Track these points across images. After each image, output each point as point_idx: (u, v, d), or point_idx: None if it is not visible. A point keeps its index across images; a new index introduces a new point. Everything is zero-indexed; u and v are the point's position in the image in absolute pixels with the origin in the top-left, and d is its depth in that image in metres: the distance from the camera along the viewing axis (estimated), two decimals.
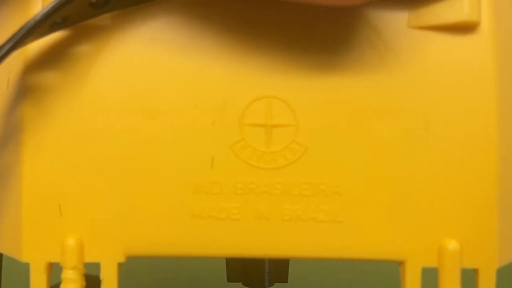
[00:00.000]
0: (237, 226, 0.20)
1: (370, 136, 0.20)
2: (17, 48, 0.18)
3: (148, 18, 0.20)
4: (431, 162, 0.20)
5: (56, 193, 0.20)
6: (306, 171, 0.20)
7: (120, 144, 0.20)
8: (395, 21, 0.20)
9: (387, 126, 0.20)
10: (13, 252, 0.21)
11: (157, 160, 0.20)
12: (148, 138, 0.20)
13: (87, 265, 0.20)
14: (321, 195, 0.20)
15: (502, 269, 0.20)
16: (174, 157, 0.20)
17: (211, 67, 0.20)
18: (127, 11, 0.20)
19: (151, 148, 0.20)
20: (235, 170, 0.20)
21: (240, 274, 0.32)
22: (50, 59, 0.20)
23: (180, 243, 0.20)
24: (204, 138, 0.20)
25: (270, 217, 0.20)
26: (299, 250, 0.20)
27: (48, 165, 0.20)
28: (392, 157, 0.20)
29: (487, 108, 0.20)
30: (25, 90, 0.20)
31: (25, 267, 0.20)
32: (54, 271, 0.21)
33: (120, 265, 0.20)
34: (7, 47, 0.18)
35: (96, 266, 0.20)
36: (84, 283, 0.20)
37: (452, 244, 0.20)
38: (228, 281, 0.32)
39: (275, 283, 0.32)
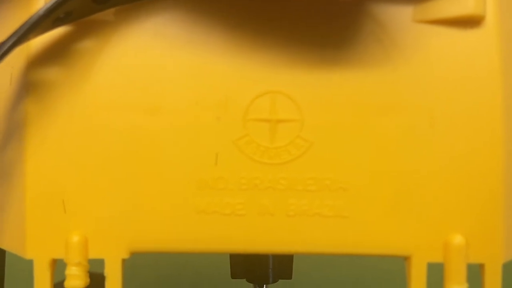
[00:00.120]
0: (242, 222, 0.20)
1: (375, 132, 0.20)
2: (20, 44, 0.18)
3: (151, 14, 0.20)
4: (436, 157, 0.20)
5: (60, 190, 0.20)
6: (311, 166, 0.20)
7: (124, 141, 0.20)
8: (400, 15, 0.20)
9: (392, 122, 0.20)
10: (17, 249, 0.21)
11: (161, 157, 0.20)
12: (151, 134, 0.20)
13: (91, 262, 0.20)
14: (326, 191, 0.20)
15: (507, 264, 0.20)
16: (178, 153, 0.20)
17: (214, 63, 0.20)
18: (130, 6, 0.20)
19: (155, 144, 0.20)
20: (239, 165, 0.20)
21: (244, 270, 0.32)
22: (53, 54, 0.20)
23: (184, 239, 0.20)
24: (207, 134, 0.20)
25: (274, 213, 0.20)
26: (304, 246, 0.20)
27: (52, 162, 0.20)
28: (397, 153, 0.20)
29: (492, 102, 0.20)
30: (28, 86, 0.20)
31: (29, 264, 0.20)
32: (58, 268, 0.20)
33: (124, 261, 0.20)
34: (10, 42, 0.18)
35: (100, 262, 0.20)
36: (88, 280, 0.20)
37: (457, 239, 0.20)
38: (232, 277, 0.32)
39: (279, 279, 0.32)
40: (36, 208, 0.20)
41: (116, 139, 0.20)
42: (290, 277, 0.32)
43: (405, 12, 0.20)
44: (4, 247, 0.22)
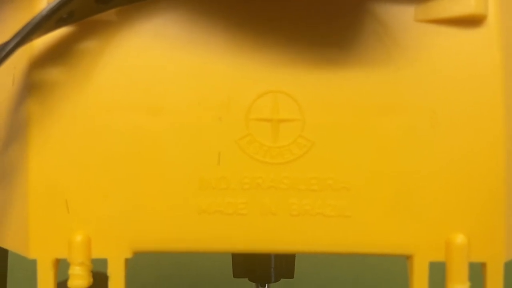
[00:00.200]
0: (244, 221, 0.20)
1: (377, 131, 0.20)
2: (23, 44, 0.18)
3: (153, 14, 0.20)
4: (438, 157, 0.20)
5: (63, 190, 0.20)
6: (313, 166, 0.20)
7: (126, 141, 0.20)
8: (402, 15, 0.20)
9: (393, 122, 0.20)
10: (20, 249, 0.21)
11: (163, 157, 0.20)
12: (154, 134, 0.20)
13: (94, 262, 0.20)
14: (328, 190, 0.20)
15: (509, 263, 0.20)
16: (180, 153, 0.20)
17: (216, 63, 0.20)
18: (132, 6, 0.20)
19: (157, 144, 0.20)
20: (242, 165, 0.20)
21: (246, 269, 0.32)
22: (55, 55, 0.20)
23: (187, 239, 0.20)
24: (210, 134, 0.20)
25: (277, 212, 0.20)
26: (307, 245, 0.20)
27: (55, 162, 0.20)
28: (399, 152, 0.20)
29: (493, 102, 0.20)
30: (31, 86, 0.20)
31: (32, 264, 0.20)
32: (61, 267, 0.21)
33: (127, 261, 0.20)
34: (13, 43, 0.18)
35: (103, 262, 0.20)
36: (91, 279, 0.20)
37: (459, 238, 0.20)
38: (234, 276, 0.32)
39: (281, 279, 0.32)
40: (39, 208, 0.20)
41: (118, 139, 0.20)
42: (292, 276, 0.32)
43: (407, 12, 0.20)
44: (7, 247, 0.22)
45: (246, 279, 0.33)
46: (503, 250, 0.20)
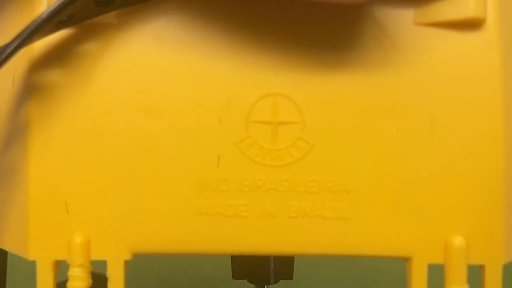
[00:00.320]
0: (244, 223, 0.20)
1: (376, 134, 0.20)
2: (23, 46, 0.18)
3: (153, 16, 0.20)
4: (437, 160, 0.20)
5: (63, 191, 0.20)
6: (313, 168, 0.20)
7: (126, 143, 0.20)
8: (401, 18, 0.20)
9: (393, 124, 0.20)
10: (19, 250, 0.21)
11: (163, 159, 0.20)
12: (154, 136, 0.20)
13: (94, 263, 0.20)
14: (327, 192, 0.20)
15: (508, 265, 0.20)
16: (180, 155, 0.20)
17: (216, 65, 0.20)
18: (132, 9, 0.20)
19: (157, 146, 0.20)
20: (242, 167, 0.20)
21: (245, 271, 0.32)
22: (55, 57, 0.20)
23: (186, 240, 0.20)
24: (209, 136, 0.20)
25: (276, 214, 0.20)
26: (306, 247, 0.20)
27: (54, 163, 0.20)
28: (398, 155, 0.20)
29: (493, 105, 0.20)
30: (31, 88, 0.20)
31: (31, 265, 0.20)
32: (60, 269, 0.21)
33: (126, 262, 0.20)
34: (14, 45, 0.18)
35: (103, 264, 0.20)
36: (90, 281, 0.20)
37: (458, 240, 0.20)
38: (234, 278, 0.32)
39: (280, 280, 0.32)
40: (38, 209, 0.20)
41: (118, 141, 0.20)
42: (291, 278, 0.32)
43: (406, 15, 0.20)
44: (6, 248, 0.22)
45: (245, 281, 0.33)
46: (502, 252, 0.20)
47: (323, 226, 0.20)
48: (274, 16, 0.20)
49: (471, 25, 0.20)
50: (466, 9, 0.19)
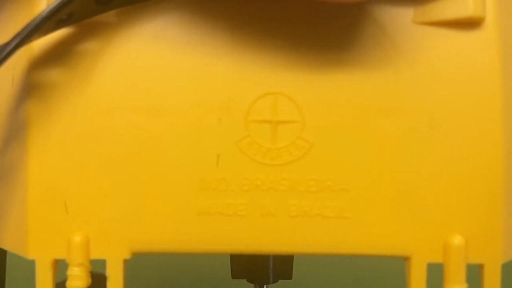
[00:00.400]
0: (244, 222, 0.20)
1: (376, 133, 0.20)
2: (23, 45, 0.18)
3: (153, 15, 0.20)
4: (436, 159, 0.20)
5: (62, 191, 0.20)
6: (312, 167, 0.20)
7: (126, 142, 0.20)
8: (400, 17, 0.20)
9: (392, 124, 0.20)
10: (18, 249, 0.21)
11: (163, 158, 0.20)
12: (153, 136, 0.20)
13: (93, 263, 0.20)
14: (327, 192, 0.20)
15: (507, 264, 0.20)
16: (179, 154, 0.20)
17: (216, 64, 0.20)
18: (132, 8, 0.20)
19: (157, 145, 0.20)
20: (241, 166, 0.20)
21: (244, 270, 0.32)
22: (55, 56, 0.20)
23: (186, 240, 0.20)
24: (209, 136, 0.20)
25: (276, 213, 0.20)
26: (306, 246, 0.20)
27: (54, 163, 0.20)
28: (398, 154, 0.20)
29: (492, 104, 0.20)
30: (30, 87, 0.20)
31: (30, 264, 0.20)
32: (59, 268, 0.21)
33: (126, 262, 0.20)
34: (13, 44, 0.18)
35: (102, 263, 0.20)
36: (90, 280, 0.20)
37: (457, 240, 0.20)
38: (233, 277, 0.32)
39: (280, 280, 0.32)
40: (38, 208, 0.20)
41: (118, 140, 0.20)
42: (290, 277, 0.32)
43: (406, 14, 0.20)
44: (5, 247, 0.22)
45: (245, 280, 0.33)
46: (501, 251, 0.20)
47: (323, 225, 0.20)
48: (273, 15, 0.20)
49: (470, 24, 0.20)
50: (465, 8, 0.19)
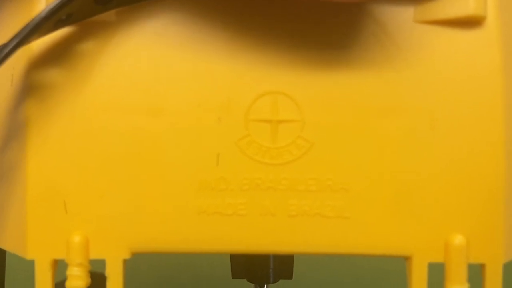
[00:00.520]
0: (244, 222, 0.20)
1: (376, 133, 0.20)
2: (22, 45, 0.18)
3: (153, 15, 0.20)
4: (437, 159, 0.20)
5: (61, 190, 0.20)
6: (312, 166, 0.20)
7: (125, 142, 0.20)
8: (401, 16, 0.20)
9: (393, 123, 0.20)
10: (17, 249, 0.21)
11: (162, 157, 0.20)
12: (153, 135, 0.20)
13: (92, 262, 0.20)
14: (327, 191, 0.20)
15: (508, 264, 0.20)
16: (179, 154, 0.20)
17: (216, 64, 0.20)
18: (131, 7, 0.20)
19: (156, 145, 0.20)
20: (241, 166, 0.20)
21: (244, 270, 0.32)
22: (54, 56, 0.20)
23: (186, 239, 0.20)
24: (209, 135, 0.20)
25: (276, 213, 0.20)
26: (305, 246, 0.20)
27: (53, 162, 0.20)
28: (398, 154, 0.20)
29: (493, 103, 0.20)
30: (29, 87, 0.20)
31: (30, 265, 0.20)
32: (59, 268, 0.21)
33: (125, 261, 0.20)
34: (12, 44, 0.18)
35: (102, 262, 0.20)
36: (89, 280, 0.20)
37: (458, 239, 0.20)
38: (233, 277, 0.32)
39: (280, 279, 0.32)
40: (37, 208, 0.20)
41: (117, 140, 0.20)
42: (290, 277, 0.32)
43: (406, 13, 0.20)
44: (5, 247, 0.22)
45: (245, 280, 0.33)
46: (502, 251, 0.20)
47: (323, 225, 0.20)
48: (273, 14, 0.20)
49: (471, 23, 0.20)
50: (466, 7, 0.19)
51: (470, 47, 0.20)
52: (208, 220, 0.20)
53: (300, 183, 0.20)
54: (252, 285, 0.34)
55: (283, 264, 0.32)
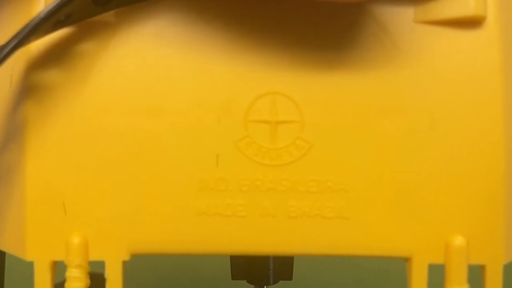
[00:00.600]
0: (243, 223, 0.20)
1: (376, 133, 0.20)
2: (21, 46, 0.18)
3: (152, 15, 0.20)
4: (437, 159, 0.20)
5: (60, 192, 0.20)
6: (312, 167, 0.20)
7: (125, 143, 0.20)
8: (401, 16, 0.20)
9: (393, 124, 0.20)
10: (17, 251, 0.21)
11: (162, 158, 0.20)
12: (152, 136, 0.20)
13: (92, 263, 0.20)
14: (327, 192, 0.20)
15: (508, 265, 0.20)
16: (178, 155, 0.20)
17: (215, 64, 0.20)
18: (130, 7, 0.20)
19: (156, 146, 0.20)
20: (240, 167, 0.20)
21: (244, 271, 0.32)
22: (53, 57, 0.20)
23: (185, 241, 0.20)
24: (208, 136, 0.20)
25: (275, 214, 0.20)
26: (305, 247, 0.20)
27: (52, 163, 0.20)
28: (398, 154, 0.20)
29: (493, 104, 0.20)
30: (28, 88, 0.20)
31: (29, 266, 0.20)
32: (58, 269, 0.20)
33: (124, 263, 0.20)
34: (11, 45, 0.18)
35: (101, 263, 0.20)
36: (88, 281, 0.20)
37: (458, 240, 0.20)
38: (233, 278, 0.32)
39: (280, 281, 0.32)
40: (36, 210, 0.20)
41: (117, 141, 0.20)
42: (290, 278, 0.32)
43: (406, 13, 0.20)
44: (4, 249, 0.22)
45: (245, 281, 0.33)
46: (502, 252, 0.20)
47: (323, 226, 0.20)
48: (273, 14, 0.20)
49: (471, 23, 0.20)
50: (466, 7, 0.19)
51: (470, 47, 0.20)
52: (207, 221, 0.20)
53: (300, 184, 0.20)
54: (252, 286, 0.34)
55: (283, 265, 0.32)
